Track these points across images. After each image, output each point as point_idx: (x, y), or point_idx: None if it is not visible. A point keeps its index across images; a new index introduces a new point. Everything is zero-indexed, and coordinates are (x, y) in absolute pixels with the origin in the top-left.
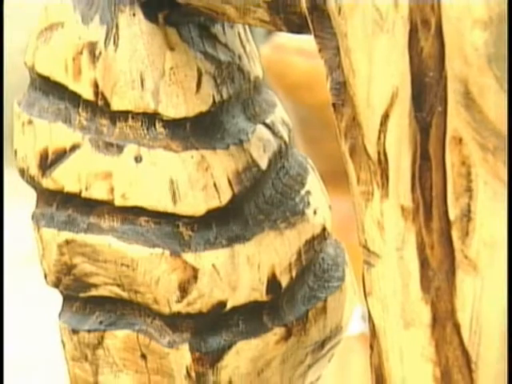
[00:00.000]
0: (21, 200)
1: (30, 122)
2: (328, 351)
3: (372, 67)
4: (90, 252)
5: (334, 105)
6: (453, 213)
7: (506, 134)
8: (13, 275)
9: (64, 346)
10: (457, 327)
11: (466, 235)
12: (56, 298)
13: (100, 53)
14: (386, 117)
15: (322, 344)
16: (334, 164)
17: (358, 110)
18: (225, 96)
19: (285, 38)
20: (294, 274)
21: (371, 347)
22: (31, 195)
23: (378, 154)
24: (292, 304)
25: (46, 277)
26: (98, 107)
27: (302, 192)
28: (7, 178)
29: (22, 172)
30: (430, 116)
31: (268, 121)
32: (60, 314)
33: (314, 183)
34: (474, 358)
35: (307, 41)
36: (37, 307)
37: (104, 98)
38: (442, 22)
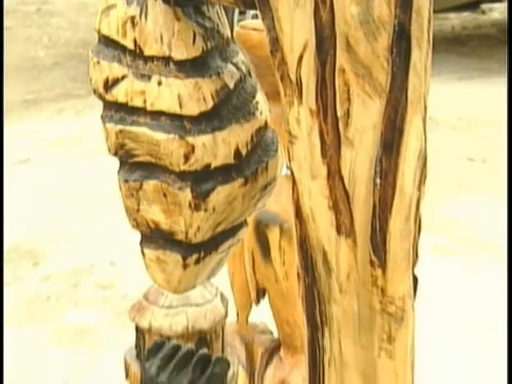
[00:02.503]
0: None
1: (98, 63)
2: (269, 191)
3: (293, 28)
4: (134, 136)
5: (271, 51)
6: (339, 113)
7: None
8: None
9: (121, 189)
10: (341, 178)
11: (347, 125)
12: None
13: (137, 22)
14: (300, 57)
15: (265, 187)
16: (273, 87)
17: (285, 53)
18: (209, 47)
19: (247, 22)
20: (249, 148)
21: (292, 189)
22: None
23: (296, 79)
24: (248, 165)
25: (109, 150)
26: (137, 54)
27: (254, 102)
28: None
29: (94, 91)
30: (326, 56)
31: (234, 61)
32: (118, 172)
33: (260, 97)
34: (351, 194)
35: (258, 23)
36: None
37: (140, 48)
38: (333, 0)
